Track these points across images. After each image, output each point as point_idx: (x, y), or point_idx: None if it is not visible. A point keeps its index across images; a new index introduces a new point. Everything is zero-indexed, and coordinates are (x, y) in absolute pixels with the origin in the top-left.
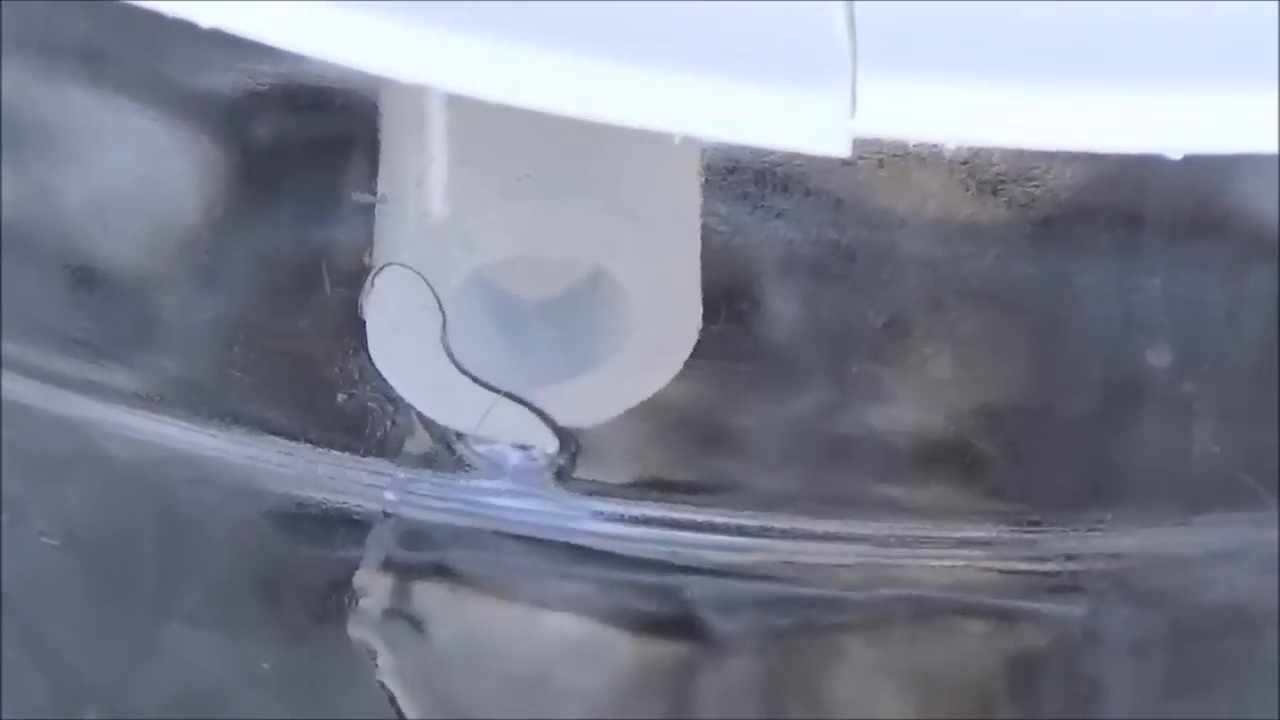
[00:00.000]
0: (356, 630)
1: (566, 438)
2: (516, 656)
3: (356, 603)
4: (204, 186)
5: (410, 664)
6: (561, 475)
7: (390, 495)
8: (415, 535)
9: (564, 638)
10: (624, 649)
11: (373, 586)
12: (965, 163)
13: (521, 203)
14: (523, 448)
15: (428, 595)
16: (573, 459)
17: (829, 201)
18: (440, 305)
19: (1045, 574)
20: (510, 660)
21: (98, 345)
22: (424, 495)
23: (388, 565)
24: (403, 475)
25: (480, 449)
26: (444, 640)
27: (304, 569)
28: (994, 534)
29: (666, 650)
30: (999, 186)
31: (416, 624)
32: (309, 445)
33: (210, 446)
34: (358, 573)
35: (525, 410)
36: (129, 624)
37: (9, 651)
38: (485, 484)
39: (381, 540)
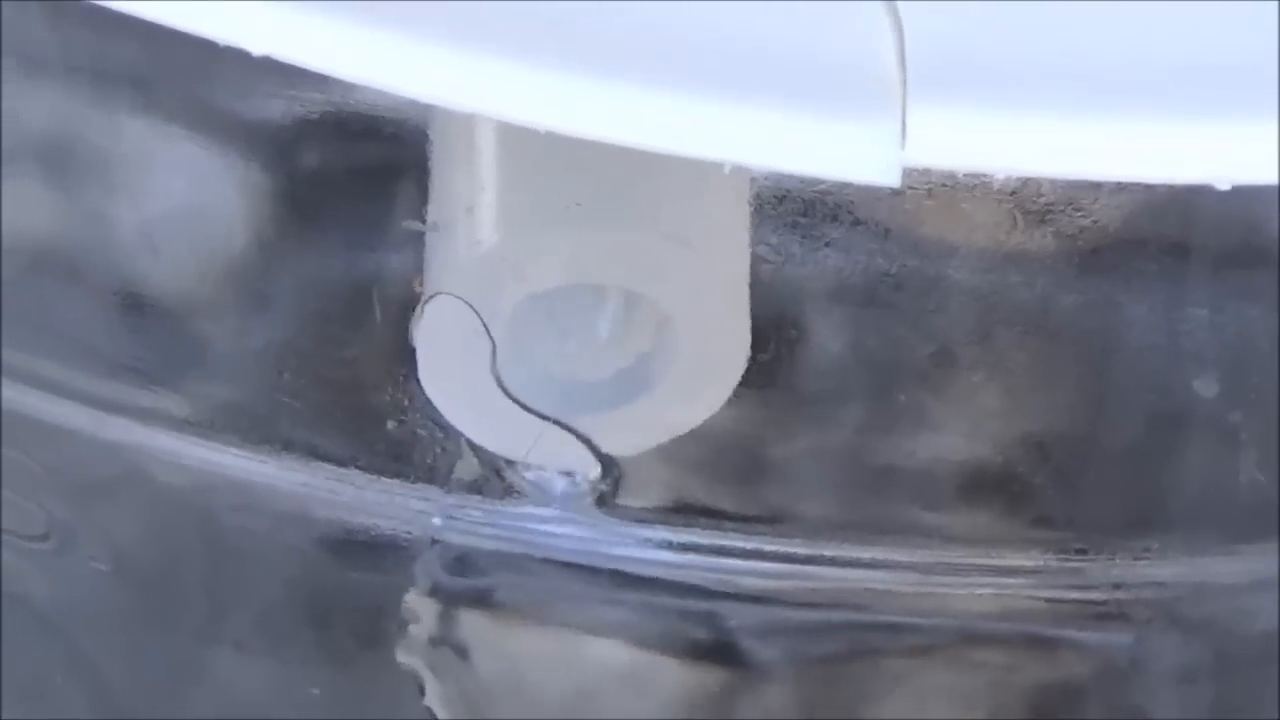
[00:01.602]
0: (405, 656)
1: (609, 463)
2: (560, 684)
3: (405, 629)
4: (255, 214)
5: (455, 691)
6: (603, 501)
7: (437, 521)
8: (462, 562)
9: (608, 665)
10: (668, 676)
11: (420, 613)
12: (1014, 193)
13: (571, 231)
14: (568, 474)
15: (473, 622)
16: (615, 485)
17: (878, 231)
18: (490, 333)
19: (1091, 602)
20: (554, 687)
21: (147, 371)
22: (471, 522)
23: (434, 592)
24: (450, 502)
25: (527, 475)
26: (489, 667)
27: (352, 595)
28: (1040, 562)
29: (710, 677)
30: (1047, 216)
31: (462, 651)
32: (358, 471)
33: (259, 473)
34: (406, 599)
35: (572, 437)
36: (176, 650)
37: (56, 677)
38: (532, 511)
39: (429, 567)
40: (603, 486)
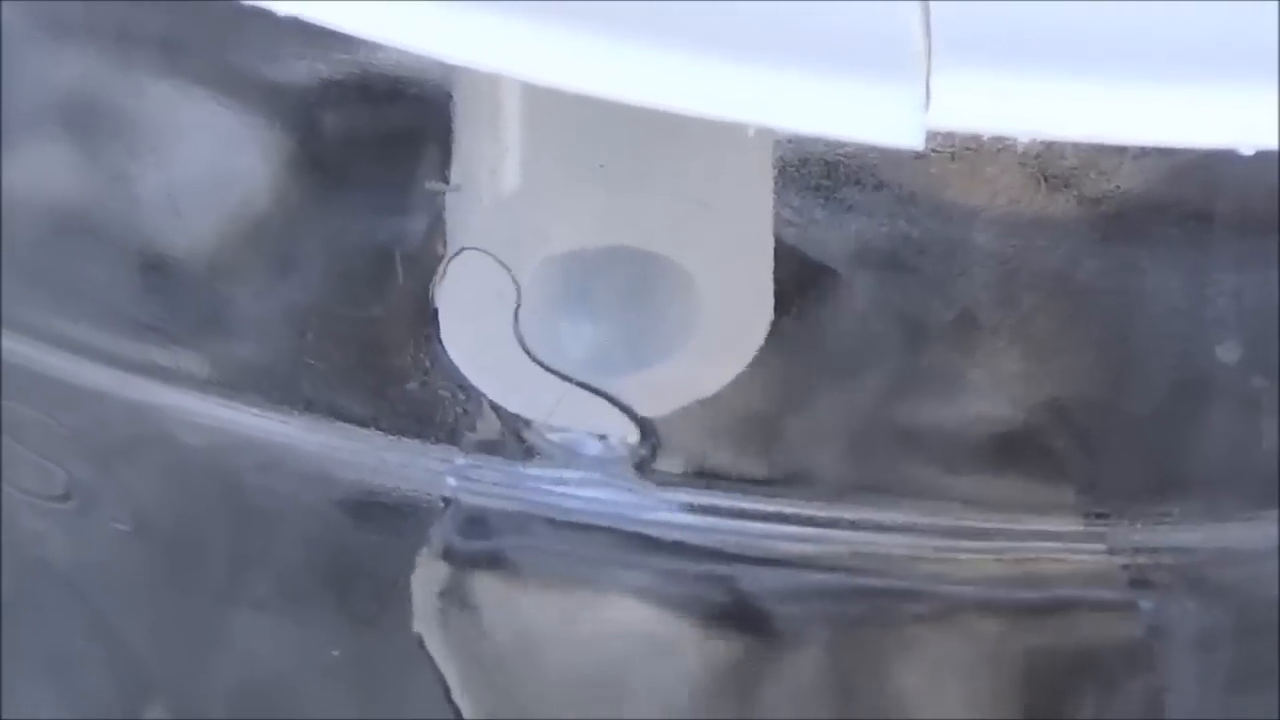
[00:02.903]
0: (421, 620)
1: (649, 428)
2: (579, 649)
3: (422, 592)
4: (278, 174)
5: (471, 655)
6: (642, 466)
7: (456, 482)
8: (479, 524)
9: (629, 630)
10: (688, 641)
11: (433, 575)
12: (1037, 156)
13: (594, 192)
14: (601, 437)
15: (489, 585)
16: (653, 450)
17: (901, 194)
18: (512, 293)
19: (1115, 567)
20: (573, 652)
21: (170, 331)
22: (491, 483)
23: (449, 554)
24: (471, 463)
25: (555, 438)
26: (506, 631)
27: (373, 556)
28: (1063, 527)
29: (733, 642)
30: (1070, 181)
31: (479, 614)
32: (379, 432)
33: (281, 433)
34: (418, 561)
35: (595, 399)
36: (197, 610)
37: (76, 638)
38: (554, 473)
39: (449, 528)
40: (642, 451)
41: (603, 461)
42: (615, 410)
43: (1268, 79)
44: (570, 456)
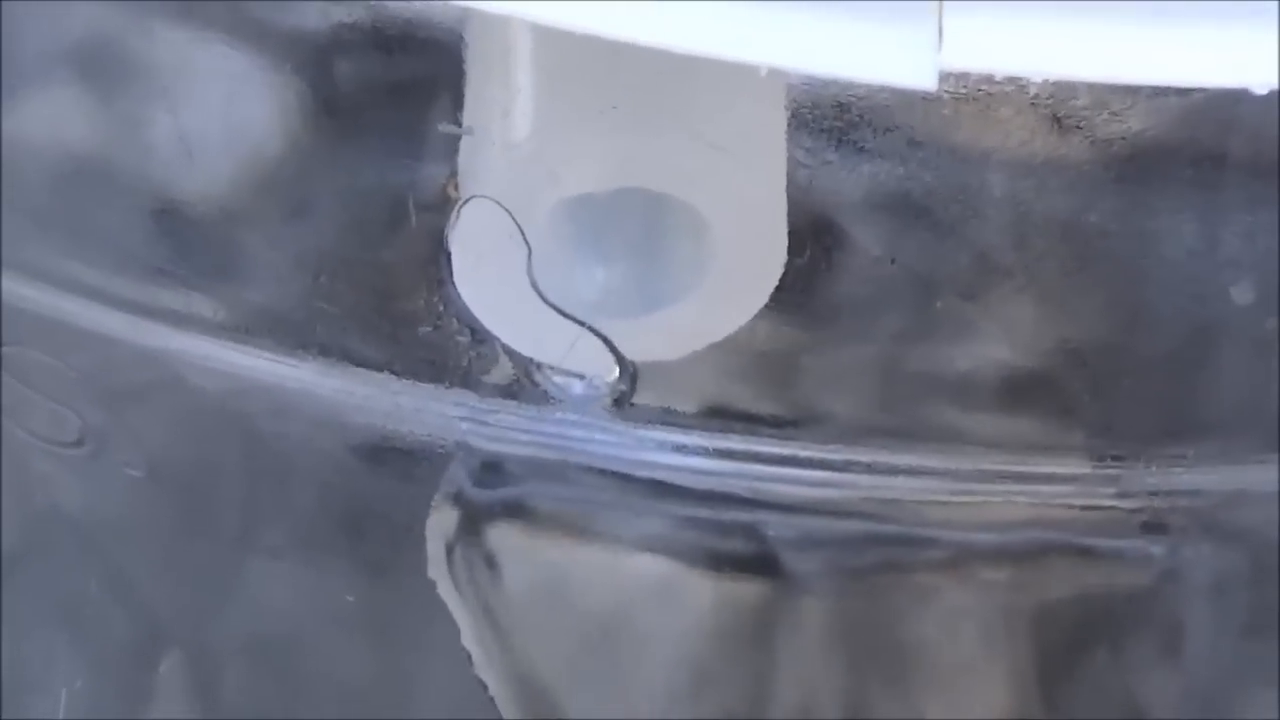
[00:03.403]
0: (433, 567)
1: (625, 364)
2: (592, 595)
3: (435, 538)
4: (289, 120)
5: (481, 600)
6: (634, 406)
7: (469, 427)
8: (493, 469)
9: (642, 576)
10: (702, 588)
11: (447, 521)
12: (1050, 97)
13: (607, 135)
14: (581, 376)
15: (502, 531)
16: (631, 386)
17: (914, 137)
18: (525, 237)
19: (1128, 510)
20: (586, 599)
21: (182, 276)
22: (505, 428)
23: (463, 500)
24: (485, 407)
25: (568, 382)
26: (517, 577)
27: (387, 502)
28: (1077, 470)
29: (746, 589)
30: (1083, 122)
31: (489, 560)
32: (393, 377)
33: (294, 378)
34: (433, 506)
35: (606, 342)
36: (211, 557)
37: (90, 584)
38: (567, 416)
39: (458, 474)
40: (622, 388)
41: (614, 405)
42: (631, 355)
43: None
44: (582, 401)
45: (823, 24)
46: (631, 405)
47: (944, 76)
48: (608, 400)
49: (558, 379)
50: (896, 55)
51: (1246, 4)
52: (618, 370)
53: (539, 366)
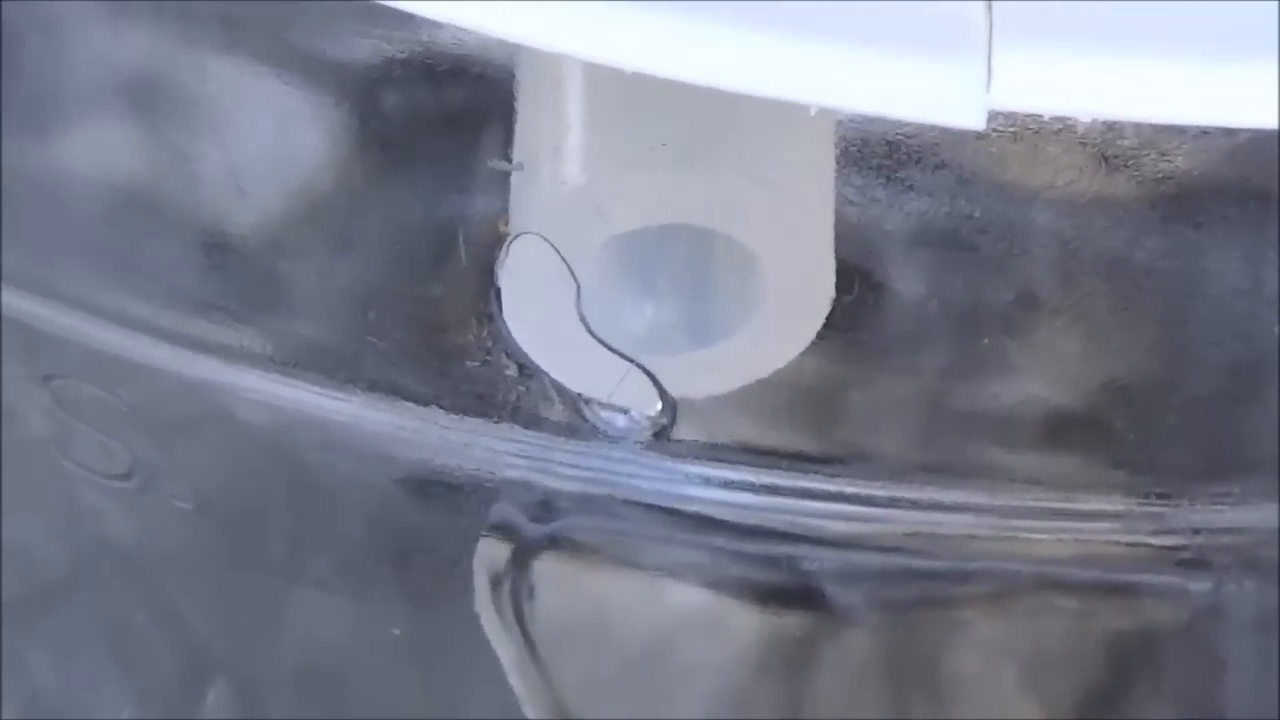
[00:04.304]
0: (479, 600)
1: (667, 398)
2: (635, 627)
3: (481, 571)
4: (340, 153)
5: (524, 634)
6: (660, 436)
7: (518, 462)
8: (540, 503)
9: (686, 609)
10: (745, 621)
11: (493, 555)
12: (1098, 137)
13: (657, 172)
14: (625, 411)
15: (548, 565)
16: (672, 419)
17: (961, 174)
18: (574, 273)
19: (1172, 548)
20: (629, 631)
21: (232, 310)
22: (552, 462)
23: (510, 534)
24: (532, 442)
25: (615, 417)
26: (562, 610)
27: (434, 536)
28: (1121, 507)
29: (788, 622)
30: (1131, 161)
31: (534, 593)
32: (441, 411)
33: (343, 412)
34: (480, 541)
35: (655, 378)
36: (259, 589)
37: (138, 615)
38: (614, 452)
39: (505, 508)
40: (663, 421)
41: (655, 438)
42: (678, 390)
43: None
44: (625, 434)
45: (872, 63)
46: (672, 439)
47: (992, 116)
48: (648, 433)
49: (602, 413)
50: (945, 95)
51: None
52: (660, 404)
53: (586, 401)
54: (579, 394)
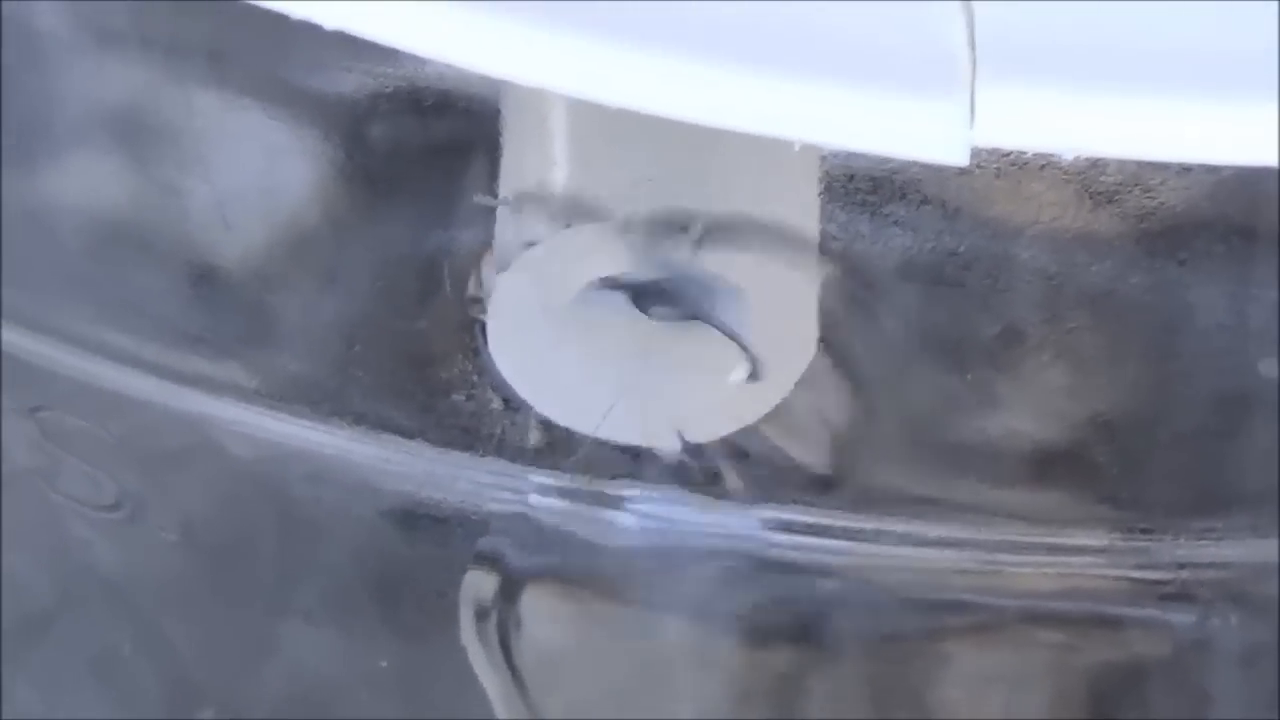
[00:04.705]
0: (466, 631)
1: (686, 441)
2: (622, 659)
3: (468, 603)
4: (326, 188)
5: (511, 666)
6: (670, 477)
7: (503, 494)
8: (526, 536)
9: (670, 641)
10: (731, 652)
11: (480, 587)
12: (1081, 173)
13: (642, 206)
14: (638, 450)
15: (533, 598)
16: (685, 461)
17: (946, 210)
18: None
19: (1156, 582)
20: (616, 663)
21: (219, 343)
22: (538, 496)
23: (496, 566)
24: (518, 475)
25: (599, 452)
26: (548, 642)
27: (421, 568)
28: (1106, 541)
29: (774, 653)
30: (1114, 197)
31: (520, 626)
32: (427, 444)
33: (329, 445)
34: (468, 573)
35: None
36: (246, 620)
37: (125, 646)
38: (601, 486)
39: (491, 541)
40: (681, 460)
41: (648, 475)
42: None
43: None
44: (615, 470)
45: (856, 100)
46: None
47: (976, 152)
48: (674, 476)
49: (606, 451)
50: (929, 131)
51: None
52: (678, 444)
53: (574, 437)
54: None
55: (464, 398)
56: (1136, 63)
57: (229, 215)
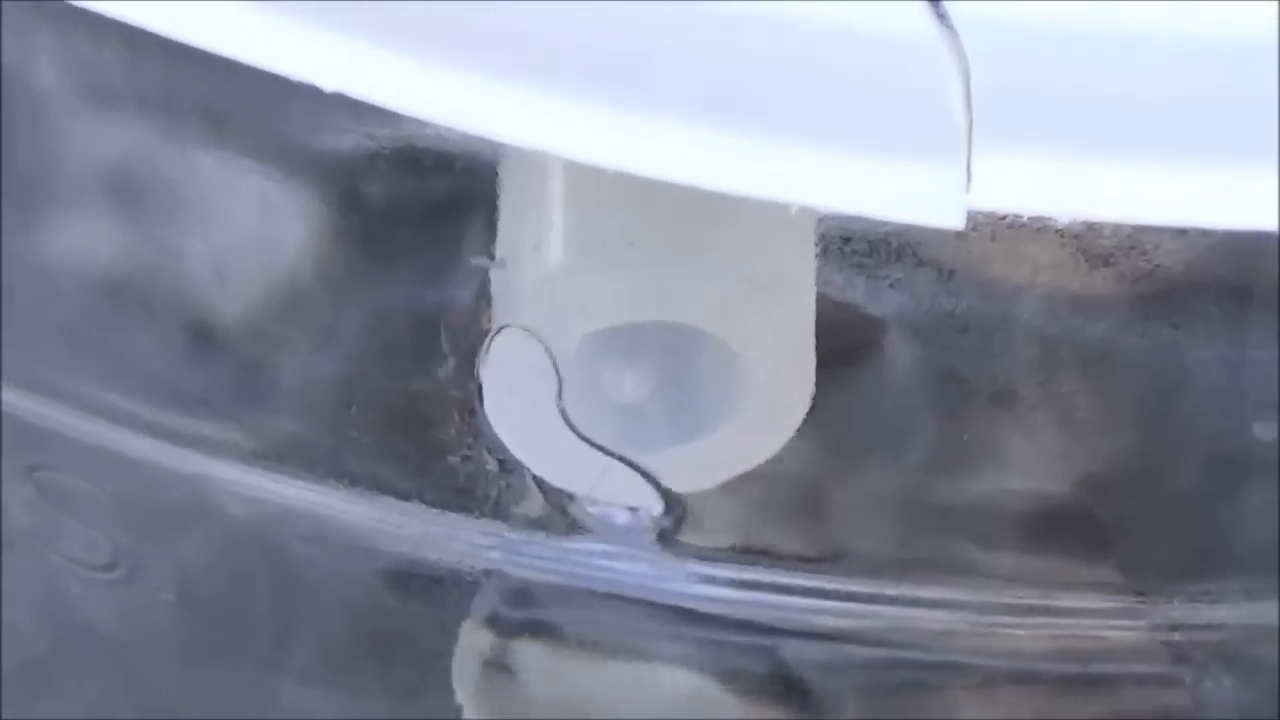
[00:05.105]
0: (461, 690)
1: (672, 500)
2: (617, 716)
3: (463, 662)
4: (323, 248)
5: None
6: (664, 537)
7: (498, 555)
8: (522, 595)
9: (669, 700)
10: (729, 711)
11: (475, 646)
12: (1077, 236)
13: (638, 269)
14: (630, 509)
15: (530, 656)
16: (678, 522)
17: (942, 272)
18: (556, 369)
19: (1149, 644)
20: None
21: (215, 402)
22: (534, 556)
23: (491, 626)
24: (513, 536)
25: (596, 512)
26: (545, 702)
27: (416, 628)
28: (1100, 604)
29: (773, 712)
30: (1110, 259)
31: (516, 685)
32: (423, 505)
33: (325, 505)
34: (466, 632)
35: (637, 473)
36: (241, 679)
37: (121, 706)
38: (595, 546)
39: (487, 601)
40: (665, 523)
41: (629, 533)
42: (649, 485)
43: None
44: (611, 530)
45: (853, 164)
46: (677, 540)
47: (972, 215)
48: (652, 534)
49: (599, 510)
50: (925, 194)
51: (1267, 147)
52: (662, 504)
53: (571, 498)
54: (567, 491)
55: (460, 458)
56: (1133, 126)
57: (227, 275)
